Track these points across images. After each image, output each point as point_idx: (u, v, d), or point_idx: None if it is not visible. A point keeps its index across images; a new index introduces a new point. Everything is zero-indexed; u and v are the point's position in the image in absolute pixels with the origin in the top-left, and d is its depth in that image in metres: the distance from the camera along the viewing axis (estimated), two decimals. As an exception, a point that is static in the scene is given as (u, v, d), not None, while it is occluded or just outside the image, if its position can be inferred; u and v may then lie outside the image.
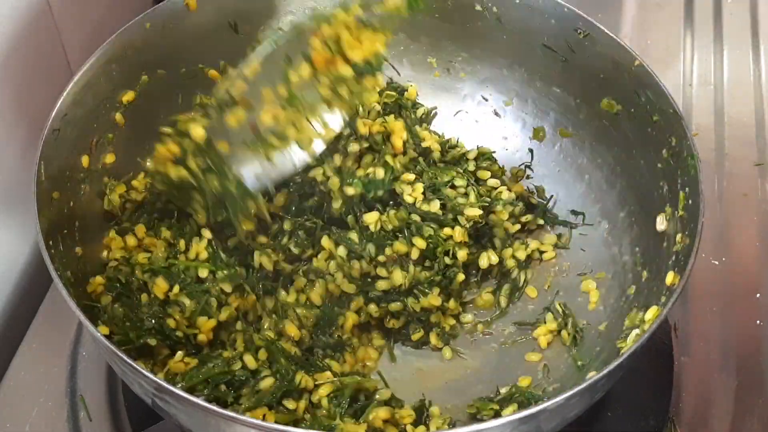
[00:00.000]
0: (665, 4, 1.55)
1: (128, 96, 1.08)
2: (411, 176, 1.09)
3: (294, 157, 1.02)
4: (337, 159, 1.09)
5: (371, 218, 1.06)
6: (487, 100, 1.23)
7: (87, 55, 1.01)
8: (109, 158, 1.07)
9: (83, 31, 1.26)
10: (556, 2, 1.08)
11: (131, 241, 1.04)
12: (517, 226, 1.14)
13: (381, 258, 1.04)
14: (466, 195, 1.10)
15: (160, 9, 1.08)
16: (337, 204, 1.07)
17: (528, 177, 1.20)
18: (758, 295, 1.16)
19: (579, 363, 1.01)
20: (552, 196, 1.18)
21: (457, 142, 1.21)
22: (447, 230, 1.06)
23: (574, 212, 1.16)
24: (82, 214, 1.01)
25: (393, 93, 1.19)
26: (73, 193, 1.00)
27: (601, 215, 1.14)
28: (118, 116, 1.07)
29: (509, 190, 1.14)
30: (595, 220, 1.14)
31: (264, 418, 0.89)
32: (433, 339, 1.06)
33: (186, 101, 1.15)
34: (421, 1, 1.00)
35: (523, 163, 1.20)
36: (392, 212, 1.06)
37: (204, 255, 1.03)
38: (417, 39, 1.21)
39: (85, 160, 1.02)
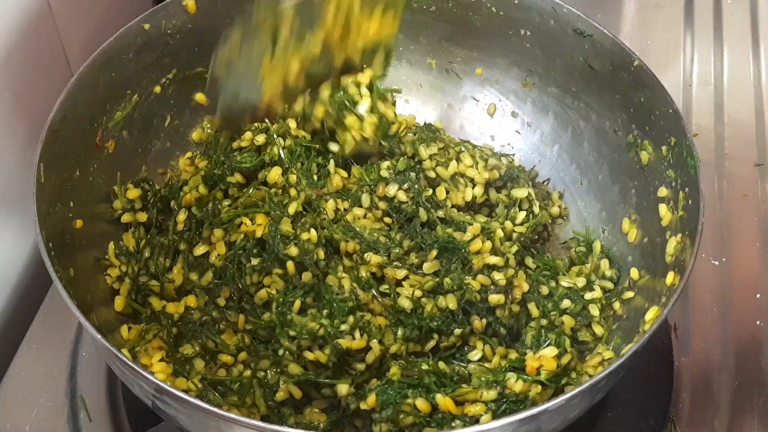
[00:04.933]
0: (665, 4, 1.55)
1: (128, 97, 1.08)
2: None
3: None
4: None
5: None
6: (486, 101, 1.23)
7: (87, 55, 1.01)
8: (110, 159, 1.07)
9: (83, 31, 1.26)
10: (555, 2, 1.08)
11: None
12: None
13: None
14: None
15: (160, 10, 1.08)
16: None
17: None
18: (758, 295, 1.16)
19: None
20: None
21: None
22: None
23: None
24: (82, 214, 1.01)
25: None
26: (73, 193, 1.00)
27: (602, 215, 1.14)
28: (118, 116, 1.07)
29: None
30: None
31: None
32: None
33: (186, 103, 1.16)
34: None
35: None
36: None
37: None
38: (416, 40, 1.21)
39: (85, 162, 1.02)
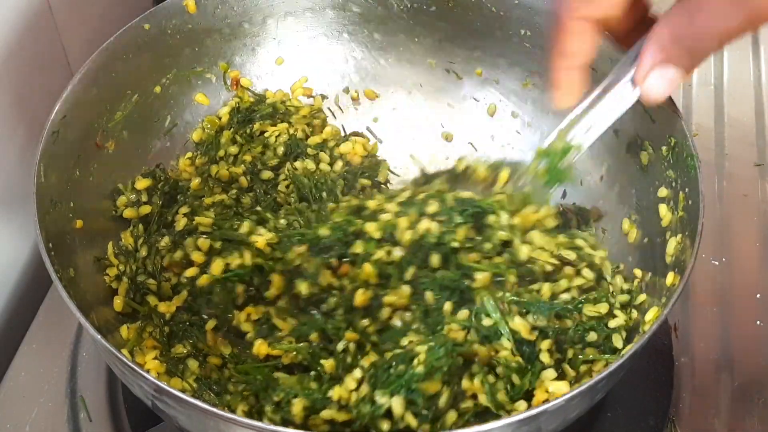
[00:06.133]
0: (665, 4, 1.55)
1: (128, 97, 1.08)
2: None
3: None
4: None
5: None
6: (486, 101, 1.23)
7: (87, 55, 1.01)
8: (110, 159, 1.07)
9: (83, 31, 1.26)
10: (556, 2, 1.08)
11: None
12: None
13: None
14: None
15: (160, 10, 1.08)
16: None
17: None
18: (758, 295, 1.16)
19: None
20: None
21: None
22: None
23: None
24: (82, 214, 1.01)
25: None
26: (73, 193, 1.00)
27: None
28: (118, 116, 1.07)
29: None
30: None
31: None
32: None
33: (186, 103, 1.16)
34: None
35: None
36: None
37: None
38: (416, 40, 1.20)
39: (85, 162, 1.02)
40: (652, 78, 0.86)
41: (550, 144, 0.98)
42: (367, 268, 0.98)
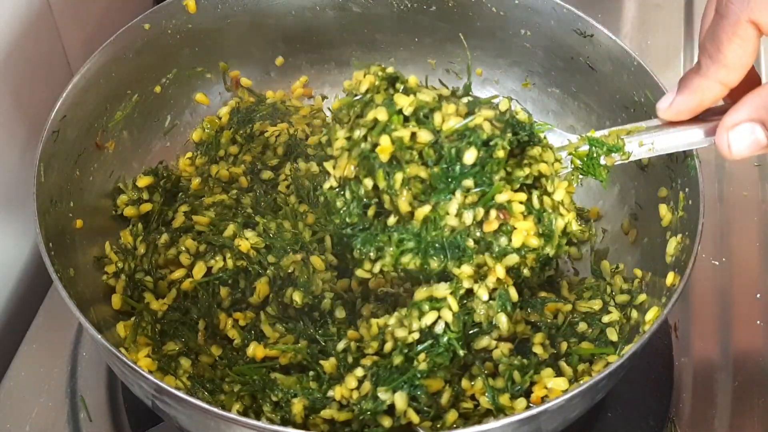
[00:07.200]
0: (665, 4, 1.55)
1: (128, 97, 1.08)
2: None
3: None
4: None
5: None
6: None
7: (87, 55, 1.02)
8: (110, 159, 1.07)
9: (83, 31, 1.26)
10: (555, 2, 1.08)
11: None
12: None
13: None
14: None
15: (160, 10, 1.08)
16: None
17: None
18: (758, 295, 1.16)
19: None
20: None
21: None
22: None
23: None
24: (82, 213, 1.01)
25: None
26: (73, 193, 1.00)
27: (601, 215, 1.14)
28: (118, 116, 1.07)
29: None
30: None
31: None
32: None
33: (186, 103, 1.16)
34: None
35: None
36: None
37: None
38: (416, 40, 1.20)
39: (85, 162, 1.02)
40: (739, 130, 0.80)
41: (602, 135, 0.94)
42: (384, 142, 0.86)
